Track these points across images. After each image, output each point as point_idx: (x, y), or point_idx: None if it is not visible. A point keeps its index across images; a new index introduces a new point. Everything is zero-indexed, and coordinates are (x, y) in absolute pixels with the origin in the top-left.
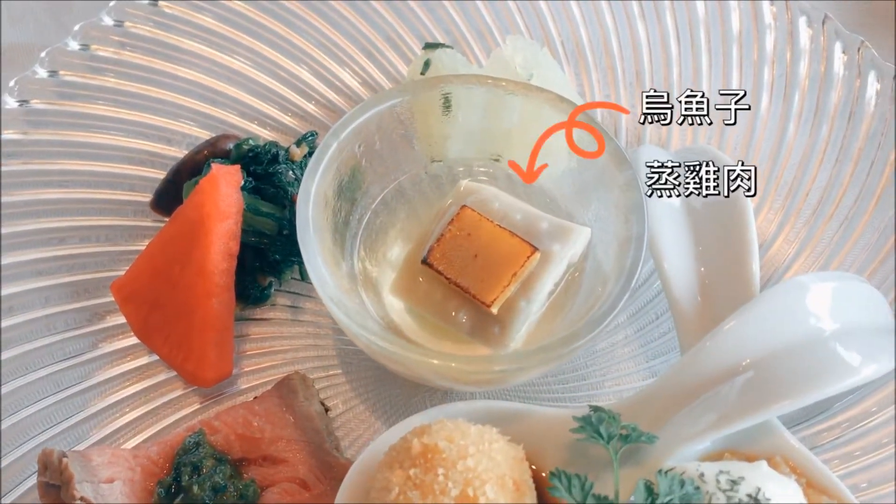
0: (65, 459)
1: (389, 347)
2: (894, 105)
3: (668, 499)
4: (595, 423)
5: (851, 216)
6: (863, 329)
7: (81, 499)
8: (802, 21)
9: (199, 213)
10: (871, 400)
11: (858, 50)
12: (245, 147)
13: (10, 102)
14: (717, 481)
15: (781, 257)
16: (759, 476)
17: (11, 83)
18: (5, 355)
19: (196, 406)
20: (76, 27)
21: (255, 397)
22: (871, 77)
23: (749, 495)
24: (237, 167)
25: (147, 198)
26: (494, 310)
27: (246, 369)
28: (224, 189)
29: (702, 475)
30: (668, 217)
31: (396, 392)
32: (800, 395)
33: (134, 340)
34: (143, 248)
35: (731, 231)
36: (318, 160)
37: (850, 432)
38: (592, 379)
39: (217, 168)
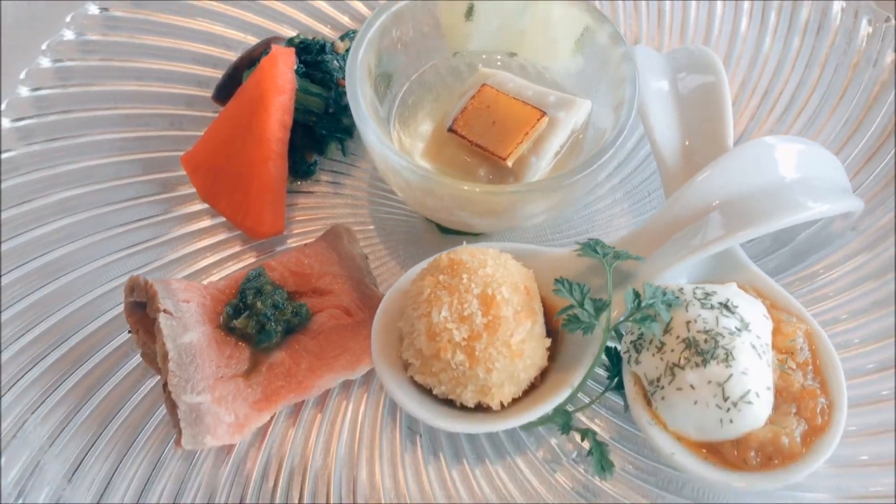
0: (150, 281)
1: (426, 175)
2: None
3: (650, 301)
4: (592, 245)
5: (816, 113)
6: (819, 180)
7: (164, 311)
8: None
9: (260, 88)
10: (830, 258)
11: None
12: (296, 40)
13: (92, 9)
14: (694, 293)
15: None
16: (730, 292)
17: None
18: (84, 215)
19: (253, 259)
20: None
21: (305, 244)
22: None
23: (720, 303)
24: (293, 49)
25: (208, 93)
26: (510, 162)
27: (294, 231)
28: (281, 67)
29: (681, 289)
30: (658, 98)
31: (423, 250)
32: (758, 226)
33: (199, 207)
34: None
35: (712, 113)
36: (364, 32)
37: (817, 281)
38: (591, 235)
39: (276, 49)
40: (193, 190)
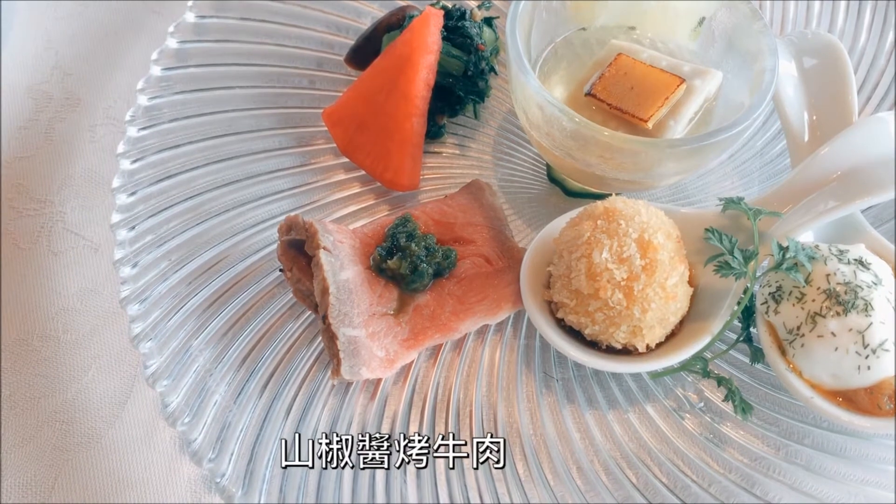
0: (309, 220)
1: (584, 122)
2: None
3: (793, 255)
4: (736, 201)
5: None
6: None
7: (324, 248)
8: None
9: (409, 47)
10: None
11: None
12: (438, 6)
13: None
14: (830, 250)
15: None
16: (860, 251)
17: None
18: (234, 161)
19: (385, 212)
20: None
21: (446, 195)
22: None
23: (855, 259)
24: (442, 12)
25: (339, 56)
26: (650, 125)
27: (424, 189)
28: (432, 27)
29: (817, 246)
30: (789, 79)
31: (548, 210)
32: (874, 195)
33: (334, 161)
34: (337, 93)
35: (836, 90)
36: (517, 3)
37: None
38: (703, 205)
39: (429, 9)
40: (329, 145)
